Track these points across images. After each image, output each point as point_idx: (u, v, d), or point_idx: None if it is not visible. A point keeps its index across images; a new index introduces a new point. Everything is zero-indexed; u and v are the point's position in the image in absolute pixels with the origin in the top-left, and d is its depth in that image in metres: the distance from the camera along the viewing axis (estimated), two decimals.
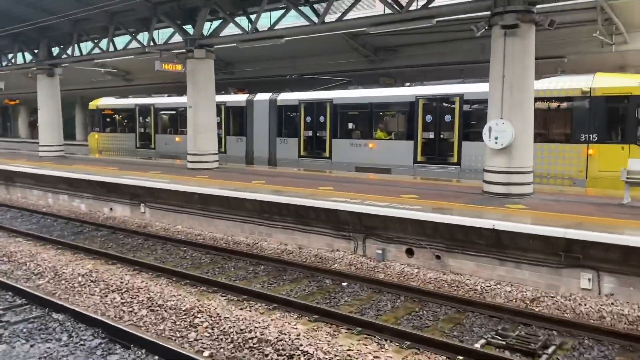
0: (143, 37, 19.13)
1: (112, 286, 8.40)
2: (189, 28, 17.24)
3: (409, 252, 9.66)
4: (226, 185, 13.15)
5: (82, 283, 8.63)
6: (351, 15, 13.82)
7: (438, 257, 9.30)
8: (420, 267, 9.43)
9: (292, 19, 16.95)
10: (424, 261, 9.47)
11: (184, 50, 16.92)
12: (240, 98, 22.82)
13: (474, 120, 16.66)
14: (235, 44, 16.34)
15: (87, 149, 33.88)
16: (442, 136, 17.24)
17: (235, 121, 23.26)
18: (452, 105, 16.79)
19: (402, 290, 8.44)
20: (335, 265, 9.96)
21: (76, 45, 21.47)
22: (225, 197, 12.23)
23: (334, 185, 13.17)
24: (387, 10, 13.02)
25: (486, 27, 11.25)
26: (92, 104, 29.40)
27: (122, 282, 8.53)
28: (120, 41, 20.82)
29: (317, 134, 20.21)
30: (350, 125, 19.86)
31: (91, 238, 12.68)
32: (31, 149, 36.79)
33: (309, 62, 25.54)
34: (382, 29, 13.15)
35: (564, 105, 14.73)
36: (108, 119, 29.38)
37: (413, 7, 12.41)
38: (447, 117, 16.93)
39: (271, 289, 8.72)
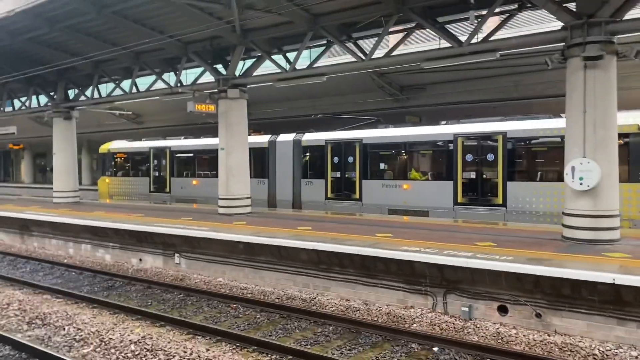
0: (169, 77, 18.35)
1: (174, 357, 7.20)
2: (219, 67, 16.50)
3: (502, 310, 8.52)
4: (273, 233, 12.06)
5: (137, 353, 7.42)
6: (402, 50, 13.07)
7: (539, 315, 8.15)
8: (518, 327, 8.28)
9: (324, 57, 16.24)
10: (521, 320, 8.32)
11: (215, 90, 16.11)
12: (262, 139, 22.01)
13: (519, 158, 15.81)
14: (269, 83, 15.52)
15: (94, 194, 32.84)
16: (484, 176, 16.36)
17: (256, 163, 22.37)
18: (495, 144, 15.97)
19: (508, 357, 7.26)
20: (415, 325, 8.78)
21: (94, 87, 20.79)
22: (277, 246, 11.13)
23: (390, 231, 12.08)
24: (443, 44, 12.27)
25: (562, 59, 10.40)
26: (103, 148, 28.54)
27: (185, 352, 7.33)
28: (141, 82, 20.09)
29: (346, 175, 19.34)
30: (382, 166, 18.99)
31: (125, 294, 11.47)
32: (35, 194, 35.72)
33: (329, 102, 24.88)
34: (436, 64, 12.35)
35: (620, 142, 13.88)
36: (120, 163, 28.49)
37: (474, 39, 11.62)
38: (490, 156, 16.10)
39: (355, 357, 7.53)
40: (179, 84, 17.43)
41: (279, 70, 14.95)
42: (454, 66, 20.08)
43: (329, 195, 19.74)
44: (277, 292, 11.02)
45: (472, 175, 16.50)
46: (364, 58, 13.16)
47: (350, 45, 13.90)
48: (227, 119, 15.91)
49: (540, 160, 15.87)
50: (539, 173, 15.65)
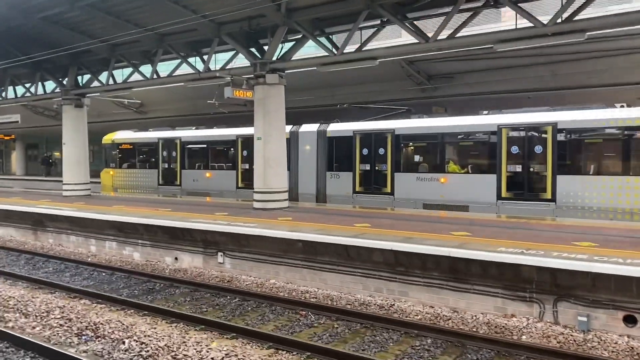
0: (195, 62, 17.06)
1: None
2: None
3: (629, 320, 7.48)
4: (329, 230, 10.93)
5: None
6: (466, 31, 11.97)
7: None
8: None
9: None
10: None
11: (251, 76, 14.88)
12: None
13: (571, 151, 14.84)
14: (313, 68, 14.33)
15: (92, 187, 31.34)
16: (531, 169, 15.41)
17: None
18: (544, 135, 15.04)
19: None
20: (524, 337, 7.72)
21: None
22: (344, 245, 9.99)
23: (465, 229, 10.99)
24: (520, 24, 11.19)
25: None
26: (107, 138, 27.12)
27: None
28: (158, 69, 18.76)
29: (376, 168, 18.27)
30: (417, 158, 17.98)
31: (171, 298, 10.26)
32: (28, 186, 33.85)
33: (348, 91, 23.70)
34: (512, 45, 11.26)
35: None
36: (125, 154, 27.09)
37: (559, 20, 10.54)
38: (538, 148, 15.16)
39: None
40: (207, 69, 16.13)
41: (324, 54, 13.78)
42: (487, 54, 19.21)
43: (357, 188, 18.68)
44: (345, 296, 9.90)
45: (518, 168, 15.58)
46: (428, 39, 12.00)
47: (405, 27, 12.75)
48: (264, 107, 14.70)
49: (596, 153, 14.93)
50: (593, 166, 14.70)
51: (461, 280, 8.84)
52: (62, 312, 8.80)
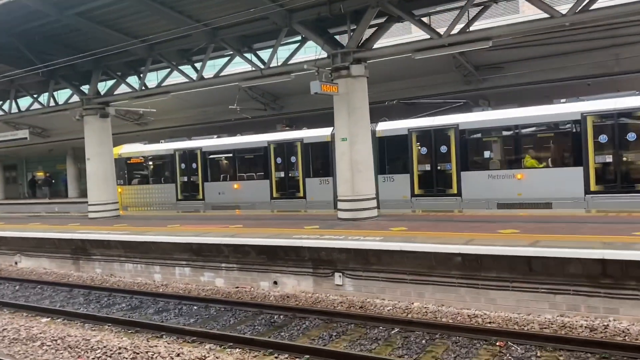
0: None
1: None
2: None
3: None
4: (479, 240, 9.20)
5: None
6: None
7: None
8: None
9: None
10: None
11: (328, 69, 13.06)
12: (323, 132, 19.09)
13: None
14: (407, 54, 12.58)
15: (83, 207, 28.69)
16: (625, 159, 14.10)
17: (316, 160, 19.46)
18: (638, 121, 13.71)
19: None
20: None
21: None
22: (525, 257, 8.25)
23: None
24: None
25: None
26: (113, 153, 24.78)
27: None
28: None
29: (438, 167, 16.67)
30: (487, 154, 16.45)
31: (308, 333, 8.30)
32: (13, 210, 30.77)
33: (377, 89, 22.07)
34: None
35: None
36: (135, 169, 24.88)
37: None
38: (631, 136, 13.85)
39: None
40: (264, 65, 14.19)
41: (417, 38, 12.09)
42: (540, 41, 17.93)
43: (417, 191, 17.05)
44: (530, 318, 8.15)
45: (608, 159, 14.25)
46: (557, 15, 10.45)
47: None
48: (348, 102, 12.89)
49: None
50: None
51: None
52: None
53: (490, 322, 8.18)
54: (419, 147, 16.93)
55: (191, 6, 13.20)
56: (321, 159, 19.18)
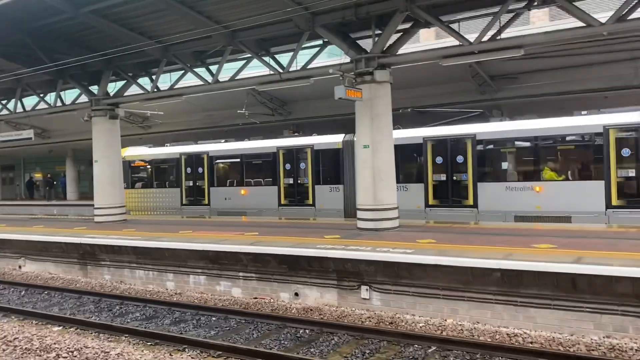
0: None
1: None
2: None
3: None
4: (513, 255, 8.80)
5: None
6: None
7: None
8: None
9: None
10: None
11: (352, 74, 12.68)
12: (334, 139, 18.75)
13: None
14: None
15: (81, 209, 28.09)
16: None
17: (326, 167, 19.11)
18: None
19: None
20: None
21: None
22: (569, 274, 7.84)
23: None
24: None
25: None
26: None
27: None
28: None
29: (454, 178, 16.33)
30: (505, 165, 16.16)
31: (338, 350, 7.87)
32: (14, 212, 30.15)
33: (392, 95, 21.78)
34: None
35: None
36: (139, 173, 24.48)
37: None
38: None
39: None
40: (283, 69, 13.81)
41: (454, 44, 11.75)
42: (558, 52, 17.63)
43: (431, 201, 16.70)
44: (574, 338, 7.73)
45: (631, 172, 13.97)
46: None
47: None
48: (372, 109, 12.50)
49: None
50: None
51: None
52: None
53: (531, 342, 7.77)
54: (434, 157, 16.60)
55: (212, 7, 12.83)
56: (332, 166, 18.85)
